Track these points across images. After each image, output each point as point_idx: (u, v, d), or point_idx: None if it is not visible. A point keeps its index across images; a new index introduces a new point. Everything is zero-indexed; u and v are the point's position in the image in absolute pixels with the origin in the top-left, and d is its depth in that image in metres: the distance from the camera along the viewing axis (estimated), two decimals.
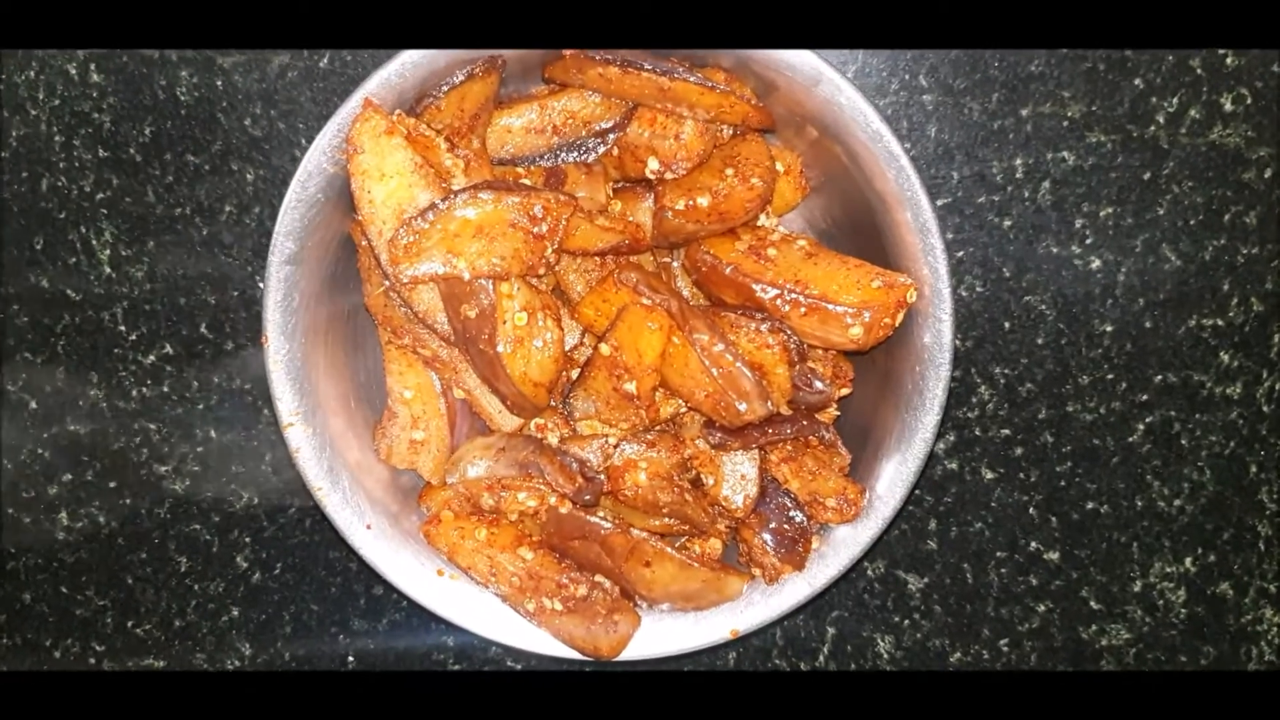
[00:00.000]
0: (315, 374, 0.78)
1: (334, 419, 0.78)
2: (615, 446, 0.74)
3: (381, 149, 0.70)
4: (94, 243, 0.91)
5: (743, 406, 0.71)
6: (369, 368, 0.83)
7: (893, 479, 0.77)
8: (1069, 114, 0.88)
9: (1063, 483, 0.93)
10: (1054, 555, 0.93)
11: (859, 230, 0.79)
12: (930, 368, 0.75)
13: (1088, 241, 0.90)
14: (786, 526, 0.77)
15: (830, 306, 0.72)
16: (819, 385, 0.74)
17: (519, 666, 0.93)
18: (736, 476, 0.77)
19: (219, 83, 0.89)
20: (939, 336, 0.74)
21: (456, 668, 0.93)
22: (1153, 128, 0.88)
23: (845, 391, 0.79)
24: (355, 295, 0.81)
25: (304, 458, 0.77)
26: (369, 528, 0.78)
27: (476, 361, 0.73)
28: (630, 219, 0.76)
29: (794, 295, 0.72)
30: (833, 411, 0.80)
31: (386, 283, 0.74)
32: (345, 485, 0.77)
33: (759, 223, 0.79)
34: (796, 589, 0.78)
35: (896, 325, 0.74)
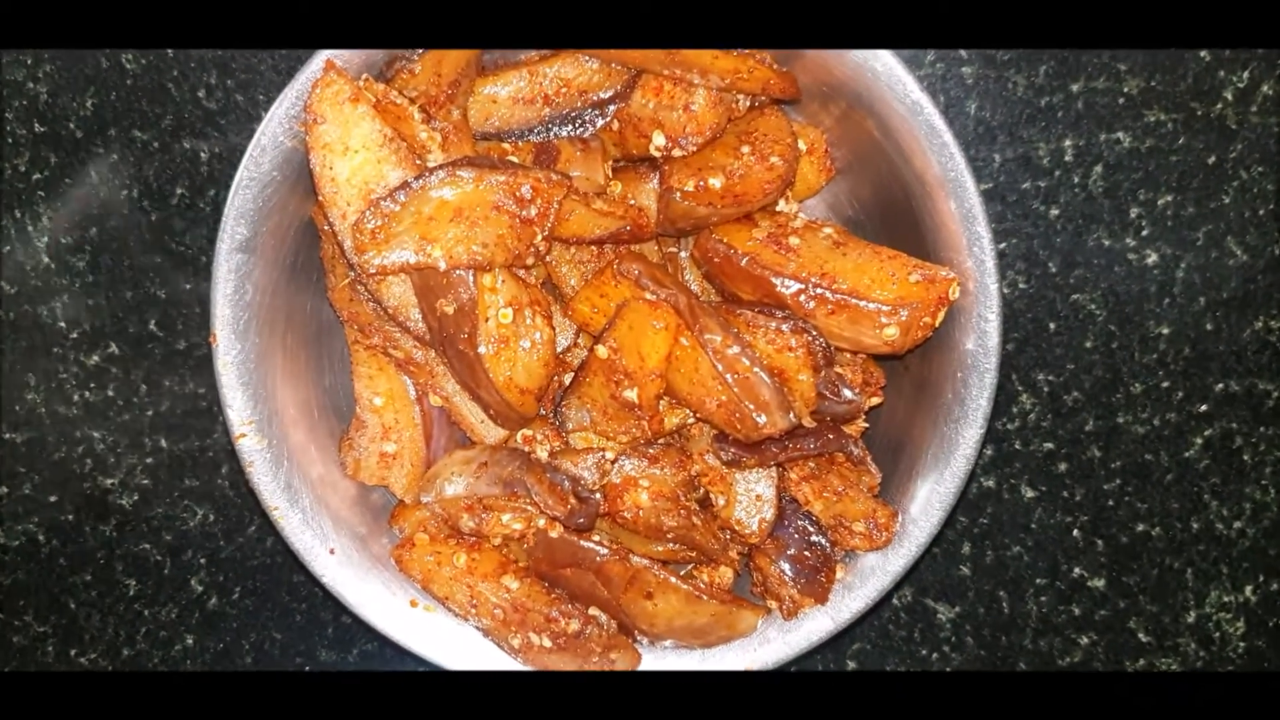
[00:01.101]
0: (272, 377, 0.73)
1: (294, 429, 0.74)
2: (613, 462, 0.71)
3: (345, 119, 0.66)
4: (30, 229, 0.86)
5: (761, 419, 0.67)
6: (334, 371, 0.79)
7: (928, 500, 0.72)
8: (1125, 90, 0.84)
9: (1111, 502, 0.89)
10: (1099, 582, 0.89)
11: (891, 218, 0.75)
12: (973, 374, 0.70)
13: (1144, 233, 0.86)
14: (807, 554, 0.73)
15: (862, 303, 0.68)
16: (848, 394, 0.70)
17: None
18: (751, 497, 0.73)
19: (169, 49, 0.83)
20: (984, 339, 0.70)
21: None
22: (1219, 105, 0.84)
23: (876, 401, 0.75)
24: (318, 289, 0.77)
25: (258, 473, 0.72)
26: (333, 552, 0.74)
27: (455, 364, 0.69)
28: (632, 202, 0.72)
29: (820, 290, 0.68)
30: (861, 424, 0.76)
31: (352, 274, 0.71)
32: (306, 504, 0.73)
33: (778, 208, 0.75)
34: (817, 624, 0.74)
35: (937, 325, 0.69)
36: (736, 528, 0.73)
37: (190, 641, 0.91)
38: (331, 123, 0.66)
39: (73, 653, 0.91)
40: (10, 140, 0.85)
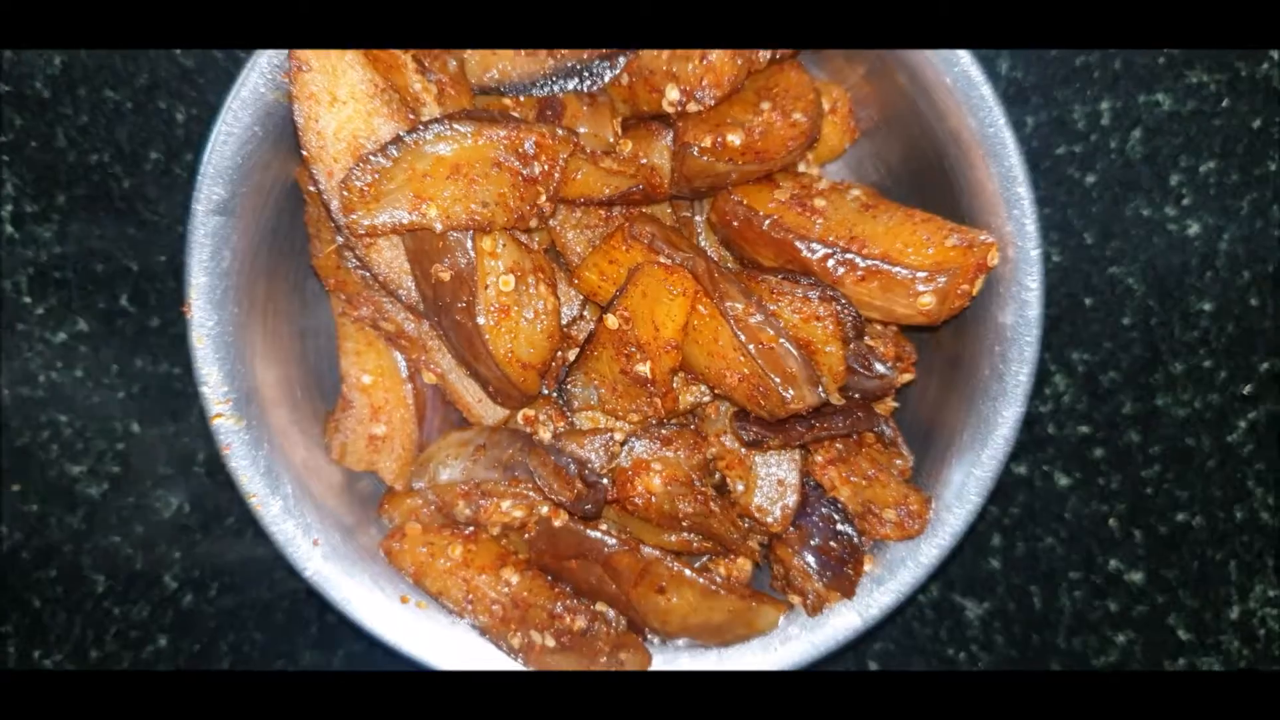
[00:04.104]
0: (251, 353, 0.71)
1: (275, 409, 0.72)
2: (623, 444, 0.69)
3: (333, 67, 0.63)
4: None
5: (788, 393, 0.63)
6: (319, 347, 0.77)
7: (964, 485, 0.70)
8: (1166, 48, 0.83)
9: (1149, 490, 0.87)
10: (1137, 576, 0.87)
11: (921, 182, 0.73)
12: (1012, 347, 0.68)
13: (1185, 202, 0.83)
14: (833, 544, 0.70)
15: (895, 270, 0.65)
16: (880, 368, 0.67)
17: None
18: (772, 482, 0.69)
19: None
20: (1024, 309, 0.67)
21: None
22: (1265, 65, 0.81)
23: (909, 378, 0.72)
24: (302, 257, 0.74)
25: (236, 456, 0.69)
26: (316, 544, 0.71)
27: (451, 336, 0.67)
28: (644, 161, 0.69)
29: (849, 255, 0.65)
30: (891, 403, 0.73)
31: (339, 238, 0.68)
32: (288, 491, 0.70)
33: (799, 170, 0.72)
34: (844, 621, 0.71)
35: (975, 294, 0.67)
36: (756, 515, 0.69)
37: (163, 642, 0.88)
38: (318, 70, 0.63)
39: (36, 654, 0.88)
40: None
